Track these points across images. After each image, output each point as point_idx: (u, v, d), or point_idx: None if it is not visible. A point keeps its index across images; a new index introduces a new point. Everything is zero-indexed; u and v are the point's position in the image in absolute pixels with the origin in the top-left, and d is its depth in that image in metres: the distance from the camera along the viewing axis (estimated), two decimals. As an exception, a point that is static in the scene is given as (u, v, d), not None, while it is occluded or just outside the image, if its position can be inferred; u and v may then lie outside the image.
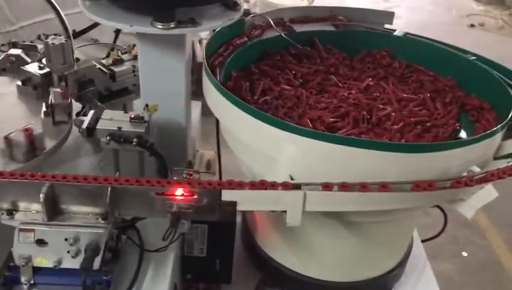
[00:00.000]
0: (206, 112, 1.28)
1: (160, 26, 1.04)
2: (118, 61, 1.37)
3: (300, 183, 0.92)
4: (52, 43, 1.21)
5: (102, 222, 0.93)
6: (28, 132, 1.07)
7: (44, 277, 0.98)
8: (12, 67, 1.33)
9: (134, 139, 1.11)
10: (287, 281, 1.35)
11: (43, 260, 0.96)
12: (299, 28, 1.41)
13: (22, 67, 1.27)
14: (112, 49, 1.60)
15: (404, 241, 1.37)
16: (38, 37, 1.47)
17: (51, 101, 1.16)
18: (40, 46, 1.44)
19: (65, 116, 1.18)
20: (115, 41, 1.57)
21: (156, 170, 1.20)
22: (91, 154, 1.33)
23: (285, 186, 0.93)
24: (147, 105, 1.15)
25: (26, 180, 0.90)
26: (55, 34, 1.25)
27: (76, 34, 1.32)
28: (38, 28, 2.68)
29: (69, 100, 1.18)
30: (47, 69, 1.24)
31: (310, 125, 1.10)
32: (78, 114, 1.26)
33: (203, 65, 1.17)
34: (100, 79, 1.32)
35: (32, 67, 1.27)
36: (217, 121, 1.55)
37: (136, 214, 0.97)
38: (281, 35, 1.34)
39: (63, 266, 0.96)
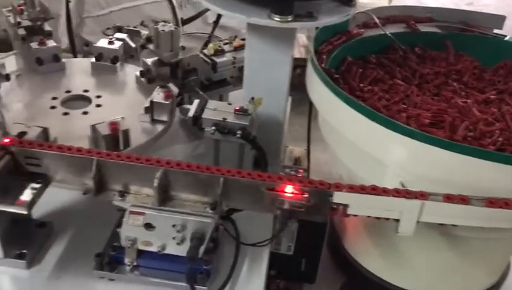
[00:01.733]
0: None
1: (278, 19, 1.02)
2: (219, 52, 1.38)
3: (421, 192, 0.87)
4: (162, 30, 1.22)
5: (210, 211, 0.93)
6: (113, 125, 1.06)
7: (147, 260, 0.99)
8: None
9: (239, 131, 1.10)
10: (373, 289, 1.31)
11: (148, 244, 0.97)
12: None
13: (144, 58, 1.29)
14: (208, 40, 1.61)
15: (504, 261, 1.30)
16: (141, 23, 1.50)
17: (153, 98, 1.17)
18: (143, 32, 1.47)
19: (165, 116, 1.18)
20: (212, 32, 1.58)
21: (253, 163, 1.20)
22: (184, 142, 1.34)
23: (400, 193, 0.89)
24: (252, 98, 1.14)
25: (141, 164, 0.92)
26: (164, 21, 1.27)
27: (184, 22, 1.33)
28: (127, 13, 2.76)
29: (172, 101, 1.18)
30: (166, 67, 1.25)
31: (404, 121, 1.06)
32: (179, 103, 1.27)
33: (310, 58, 1.16)
34: (203, 69, 1.33)
35: (151, 61, 1.28)
36: (309, 117, 1.54)
37: (243, 207, 0.96)
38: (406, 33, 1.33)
39: (166, 251, 0.97)
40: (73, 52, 1.49)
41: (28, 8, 1.27)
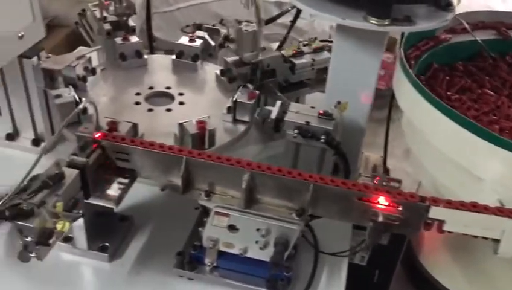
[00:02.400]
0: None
1: (375, 22, 0.98)
2: (299, 54, 1.35)
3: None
4: (246, 30, 1.21)
5: (297, 218, 0.91)
6: (201, 124, 1.05)
7: (227, 262, 0.98)
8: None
9: (322, 136, 1.08)
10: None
11: (230, 246, 0.96)
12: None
13: (225, 57, 1.29)
14: (284, 40, 1.59)
15: None
16: (220, 21, 1.50)
17: (236, 98, 1.15)
18: (222, 31, 1.46)
19: (247, 116, 1.16)
20: (288, 33, 1.55)
21: (332, 169, 1.17)
22: (256, 142, 1.33)
23: (503, 212, 0.83)
24: (338, 102, 1.11)
25: (231, 166, 0.90)
26: (247, 21, 1.25)
27: (266, 22, 1.32)
28: (194, 10, 2.78)
29: (255, 102, 1.16)
30: (247, 67, 1.24)
31: (498, 133, 1.00)
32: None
33: (400, 63, 1.12)
34: (282, 70, 1.31)
35: (232, 60, 1.27)
36: (388, 121, 1.50)
37: (331, 216, 0.93)
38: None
39: (248, 255, 0.96)
40: (151, 48, 1.51)
41: (115, 4, 1.29)
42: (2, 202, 0.75)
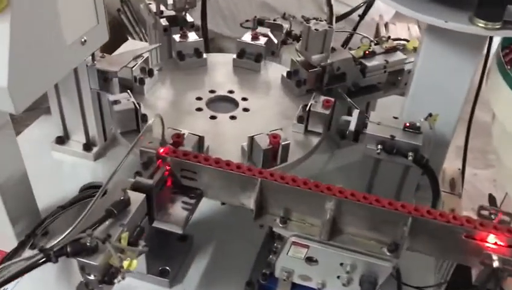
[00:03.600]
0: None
1: (483, 25, 0.84)
2: (370, 55, 1.21)
3: None
4: (315, 29, 1.08)
5: (388, 254, 0.79)
6: (274, 139, 0.92)
7: (302, 295, 0.87)
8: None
9: (410, 153, 0.95)
10: None
11: (307, 278, 0.85)
12: None
13: (293, 58, 1.16)
14: (350, 37, 1.45)
15: None
16: (283, 16, 1.37)
17: (310, 107, 1.03)
18: (285, 25, 1.34)
19: (320, 127, 1.04)
20: (355, 29, 1.41)
21: (416, 190, 1.04)
22: (322, 150, 1.20)
23: None
24: (430, 114, 0.98)
25: (310, 191, 0.79)
26: (316, 18, 1.12)
27: (337, 19, 1.18)
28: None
29: (331, 112, 1.04)
30: (315, 70, 1.12)
31: None
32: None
33: (498, 65, 0.97)
34: (352, 73, 1.17)
35: (300, 61, 1.15)
36: (468, 131, 1.35)
37: (431, 253, 0.80)
38: None
39: (326, 289, 0.85)
40: (206, 43, 1.38)
41: (172, -4, 1.18)
42: (63, 236, 0.65)
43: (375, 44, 1.26)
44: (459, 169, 1.31)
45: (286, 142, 0.92)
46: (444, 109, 1.03)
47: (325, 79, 1.15)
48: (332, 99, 1.04)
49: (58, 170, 1.16)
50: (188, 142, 0.89)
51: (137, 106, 0.97)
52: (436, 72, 1.00)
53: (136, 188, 0.76)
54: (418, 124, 0.98)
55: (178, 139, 0.88)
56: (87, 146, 1.17)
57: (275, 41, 1.27)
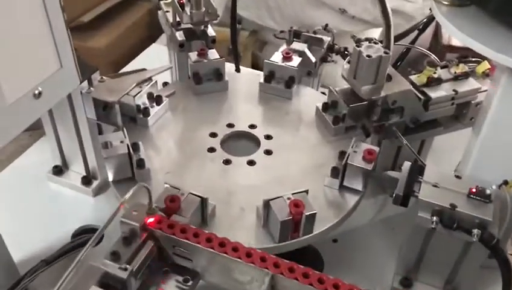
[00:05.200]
0: None
1: None
2: (435, 82, 0.97)
3: None
4: (368, 55, 0.85)
5: None
6: (296, 208, 0.70)
7: None
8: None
9: (476, 230, 0.72)
10: None
11: None
12: None
13: (331, 88, 0.94)
14: (406, 53, 1.20)
15: None
16: (325, 27, 1.14)
17: (347, 158, 0.81)
18: (325, 38, 1.12)
19: (359, 184, 0.82)
20: (413, 43, 1.16)
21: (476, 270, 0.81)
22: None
23: None
24: (505, 182, 0.74)
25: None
26: (369, 40, 0.89)
27: (395, 38, 0.95)
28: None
29: (374, 166, 0.82)
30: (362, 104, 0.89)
31: None
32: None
33: None
34: (412, 107, 0.94)
35: (341, 92, 0.92)
36: None
37: None
38: None
39: None
40: (235, 53, 1.16)
41: (191, 9, 0.98)
42: None
43: (442, 67, 1.02)
44: None
45: (311, 212, 0.71)
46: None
47: (375, 114, 0.92)
48: (376, 150, 0.82)
49: (53, 206, 1.01)
50: (187, 206, 0.70)
51: (131, 150, 0.79)
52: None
53: (104, 285, 0.58)
54: (488, 191, 0.75)
55: (172, 204, 0.70)
56: (87, 179, 1.01)
57: (313, 59, 1.06)
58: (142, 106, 0.92)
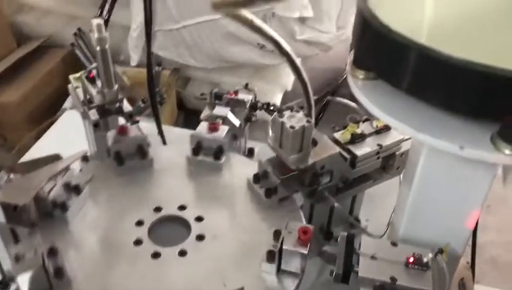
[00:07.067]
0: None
1: (510, 152, 0.61)
2: (359, 138, 0.97)
3: None
4: (291, 126, 0.83)
5: None
6: None
7: None
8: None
9: (416, 307, 0.72)
10: None
11: None
12: None
13: (261, 160, 0.91)
14: (326, 104, 1.21)
15: None
16: (246, 86, 1.12)
17: (282, 242, 0.76)
18: (247, 98, 1.09)
19: (298, 267, 0.78)
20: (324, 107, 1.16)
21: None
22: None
23: None
24: (440, 251, 0.75)
25: None
26: (291, 109, 0.87)
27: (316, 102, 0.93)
28: (204, 28, 2.39)
29: (311, 247, 0.78)
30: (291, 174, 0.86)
31: None
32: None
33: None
34: (340, 169, 0.94)
35: (270, 162, 0.89)
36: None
37: None
38: None
39: None
40: (155, 113, 1.09)
41: (103, 88, 0.91)
42: None
43: (364, 121, 1.02)
44: (468, 262, 1.09)
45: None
46: (447, 233, 0.81)
47: (306, 182, 0.91)
48: (311, 228, 0.79)
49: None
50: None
51: (46, 261, 0.72)
52: (442, 186, 0.77)
53: None
54: (425, 259, 0.75)
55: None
56: (5, 284, 0.91)
57: (236, 123, 1.03)
58: (58, 201, 0.84)
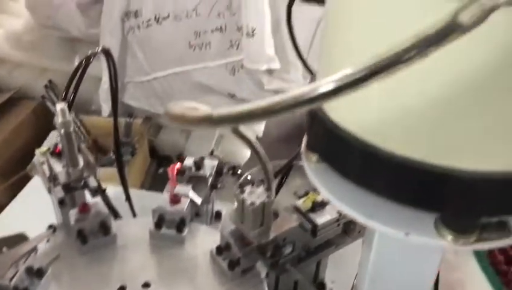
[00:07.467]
0: None
1: (452, 238, 0.64)
2: (319, 206, 1.01)
3: None
4: (252, 203, 0.86)
5: None
6: None
7: None
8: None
9: None
10: None
11: None
12: None
13: (222, 232, 0.93)
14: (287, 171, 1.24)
15: None
16: (211, 153, 1.15)
17: None
18: (210, 164, 1.12)
19: None
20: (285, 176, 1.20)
21: None
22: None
23: None
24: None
25: None
26: (252, 184, 0.90)
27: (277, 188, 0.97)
28: (174, 80, 2.44)
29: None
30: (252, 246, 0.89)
31: None
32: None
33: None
34: (301, 240, 0.96)
35: (232, 234, 0.92)
36: None
37: None
38: None
39: None
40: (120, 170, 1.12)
41: (67, 166, 0.93)
42: None
43: (321, 189, 1.06)
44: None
45: None
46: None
47: (267, 254, 0.93)
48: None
49: None
50: None
51: None
52: (393, 271, 0.80)
53: None
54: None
55: None
56: None
57: (198, 202, 1.04)
58: (20, 287, 0.84)
